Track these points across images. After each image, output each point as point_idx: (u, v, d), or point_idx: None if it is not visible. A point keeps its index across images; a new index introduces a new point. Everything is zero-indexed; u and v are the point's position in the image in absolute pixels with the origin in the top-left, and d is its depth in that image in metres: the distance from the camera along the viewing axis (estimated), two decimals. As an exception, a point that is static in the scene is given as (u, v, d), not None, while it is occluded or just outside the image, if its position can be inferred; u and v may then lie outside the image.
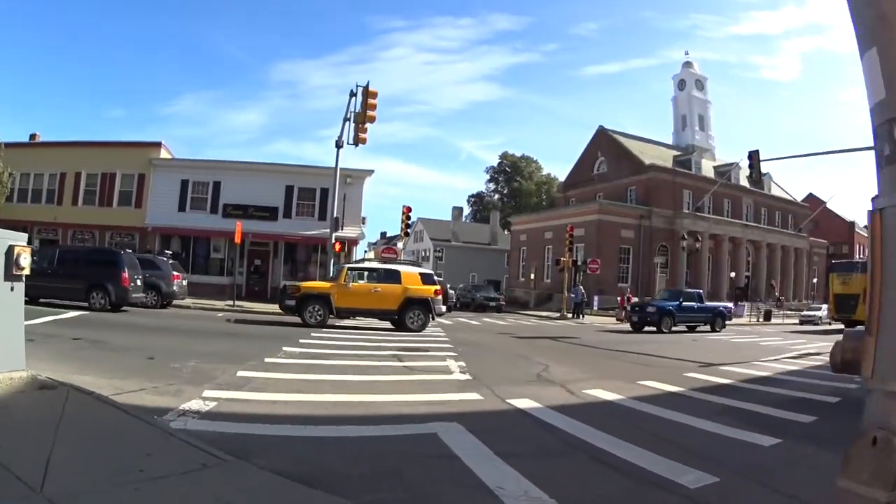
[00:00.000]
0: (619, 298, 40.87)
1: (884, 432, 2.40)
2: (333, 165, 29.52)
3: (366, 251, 58.71)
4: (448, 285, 43.45)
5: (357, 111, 26.78)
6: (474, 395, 9.24)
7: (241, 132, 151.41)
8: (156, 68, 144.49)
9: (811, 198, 74.62)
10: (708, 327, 29.95)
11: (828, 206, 62.01)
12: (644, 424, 7.98)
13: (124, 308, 21.89)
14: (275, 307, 24.01)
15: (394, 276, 21.51)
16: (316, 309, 20.58)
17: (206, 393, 8.21)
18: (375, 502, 4.63)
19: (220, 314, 22.95)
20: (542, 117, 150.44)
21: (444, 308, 23.35)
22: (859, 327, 2.89)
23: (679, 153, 63.33)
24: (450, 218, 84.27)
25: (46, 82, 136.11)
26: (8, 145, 35.60)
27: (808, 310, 51.20)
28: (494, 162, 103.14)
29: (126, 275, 21.55)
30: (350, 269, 21.95)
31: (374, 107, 25.97)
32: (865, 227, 14.09)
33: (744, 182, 57.81)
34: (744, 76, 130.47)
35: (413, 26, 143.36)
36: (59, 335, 13.39)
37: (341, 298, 20.74)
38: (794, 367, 16.22)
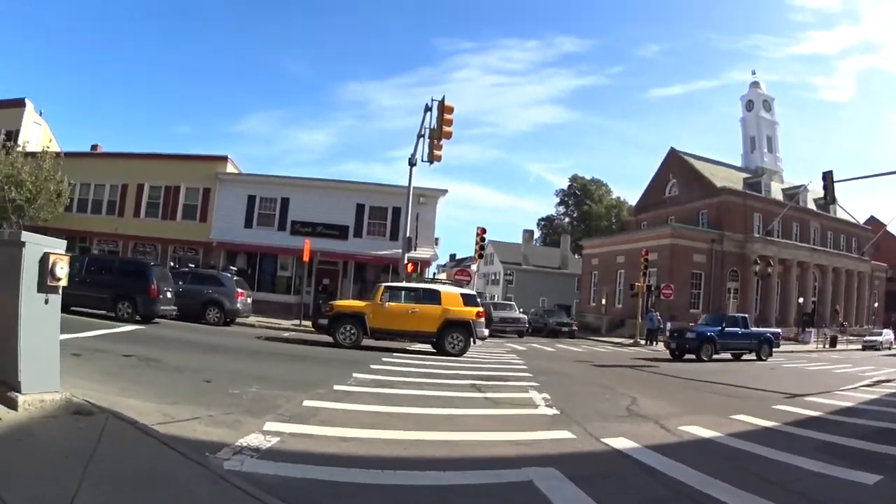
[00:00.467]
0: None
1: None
2: (406, 184, 28.93)
3: (435, 273, 58.18)
4: (521, 310, 43.25)
5: (432, 127, 26.10)
6: (566, 434, 8.46)
7: (309, 152, 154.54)
8: (224, 86, 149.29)
9: (873, 220, 72.66)
10: (753, 355, 28.19)
11: (888, 228, 61.50)
12: (747, 464, 7.48)
13: (192, 323, 21.89)
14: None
15: (433, 297, 20.65)
16: (349, 329, 19.77)
17: (268, 426, 7.30)
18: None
19: (286, 333, 22.29)
20: (609, 140, 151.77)
21: (486, 332, 22.14)
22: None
23: (749, 175, 62.52)
24: (519, 241, 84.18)
25: (111, 95, 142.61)
26: (68, 154, 36.13)
27: (870, 335, 51.07)
28: (563, 185, 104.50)
29: (155, 286, 21.34)
30: (387, 287, 21.10)
31: (450, 122, 25.30)
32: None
33: (811, 205, 58.22)
34: (804, 97, 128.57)
35: (481, 48, 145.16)
36: (109, 351, 12.79)
37: (377, 318, 19.90)
38: (871, 395, 16.28)
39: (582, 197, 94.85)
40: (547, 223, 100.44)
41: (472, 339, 20.60)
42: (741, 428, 9.95)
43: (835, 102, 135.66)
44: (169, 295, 22.52)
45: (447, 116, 25.22)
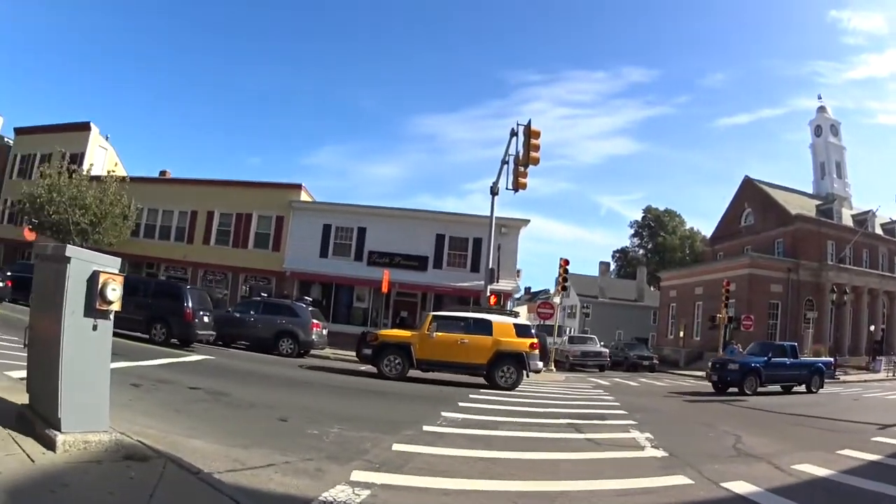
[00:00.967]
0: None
1: None
2: (487, 214, 28.26)
3: (513, 306, 57.39)
4: (601, 343, 43.05)
5: (516, 153, 25.84)
6: (683, 479, 7.72)
7: (381, 184, 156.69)
8: (295, 119, 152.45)
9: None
10: (803, 387, 26.14)
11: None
12: None
13: (264, 354, 21.38)
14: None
15: (484, 327, 19.70)
16: (394, 360, 19.12)
17: (356, 475, 6.28)
18: None
19: (363, 367, 21.44)
20: (678, 171, 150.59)
21: (540, 364, 21.38)
22: None
23: (820, 202, 61.43)
24: (593, 273, 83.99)
25: (181, 125, 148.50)
26: (135, 179, 36.43)
27: None
28: (634, 217, 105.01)
29: (190, 309, 21.24)
30: (435, 317, 20.29)
31: (537, 147, 24.77)
32: None
33: (878, 230, 57.97)
34: (862, 122, 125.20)
35: (549, 80, 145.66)
36: (173, 382, 12.10)
37: (424, 349, 19.12)
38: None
39: (656, 228, 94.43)
40: (621, 255, 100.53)
41: (524, 373, 19.77)
42: (851, 464, 9.55)
43: (891, 126, 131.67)
44: (207, 319, 22.43)
45: (534, 141, 24.78)
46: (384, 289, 29.53)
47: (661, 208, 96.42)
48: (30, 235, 33.72)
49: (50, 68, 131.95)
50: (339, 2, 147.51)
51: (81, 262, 5.41)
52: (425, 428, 10.00)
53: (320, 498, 5.31)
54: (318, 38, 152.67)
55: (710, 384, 25.44)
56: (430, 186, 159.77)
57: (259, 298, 26.91)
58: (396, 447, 8.12)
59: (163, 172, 45.90)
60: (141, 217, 37.54)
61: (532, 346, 19.72)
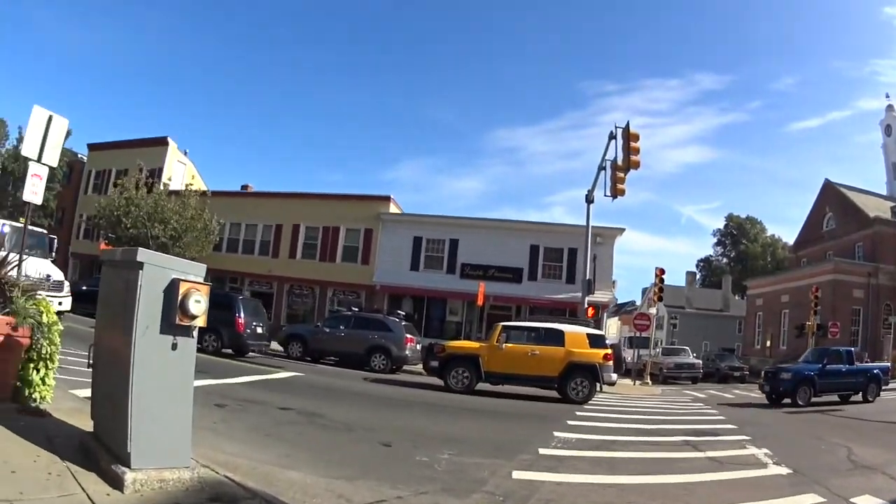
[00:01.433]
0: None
1: None
2: (580, 223, 28.05)
3: (607, 317, 57.02)
4: (694, 354, 42.91)
5: (612, 158, 25.41)
6: (815, 497, 7.50)
7: (462, 198, 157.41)
8: (375, 135, 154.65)
9: None
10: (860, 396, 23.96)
11: None
12: None
13: (354, 370, 21.03)
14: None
15: (556, 338, 19.04)
16: (461, 372, 18.59)
17: (481, 513, 5.42)
18: None
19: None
20: (754, 177, 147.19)
21: (615, 377, 20.66)
22: None
23: (895, 203, 59.99)
24: (677, 283, 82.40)
25: (263, 141, 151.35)
26: (216, 193, 36.45)
27: None
28: (713, 225, 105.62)
29: (242, 320, 21.44)
30: (505, 327, 19.73)
31: (637, 150, 24.07)
32: None
33: None
34: None
35: (625, 90, 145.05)
36: (262, 402, 11.44)
37: (492, 361, 18.56)
38: None
39: (738, 236, 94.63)
40: (705, 264, 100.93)
41: (598, 385, 18.97)
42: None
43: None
44: (260, 330, 22.78)
45: (633, 144, 24.08)
46: (479, 301, 29.00)
47: (743, 216, 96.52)
48: (103, 246, 33.76)
49: (130, 85, 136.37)
50: (414, 19, 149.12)
51: (157, 268, 4.58)
52: (541, 451, 9.37)
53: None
54: (397, 53, 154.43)
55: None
56: (512, 200, 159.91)
57: (350, 313, 26.55)
58: (517, 475, 7.43)
59: (244, 186, 46.34)
60: (223, 231, 37.61)
61: (606, 356, 19.09)
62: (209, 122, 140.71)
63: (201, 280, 4.86)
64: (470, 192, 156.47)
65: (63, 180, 48.48)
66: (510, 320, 34.28)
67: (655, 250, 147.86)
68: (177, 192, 34.93)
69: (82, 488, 4.05)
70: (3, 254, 6.98)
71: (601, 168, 26.38)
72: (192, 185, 37.61)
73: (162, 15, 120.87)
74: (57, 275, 18.36)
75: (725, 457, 10.26)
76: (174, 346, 4.61)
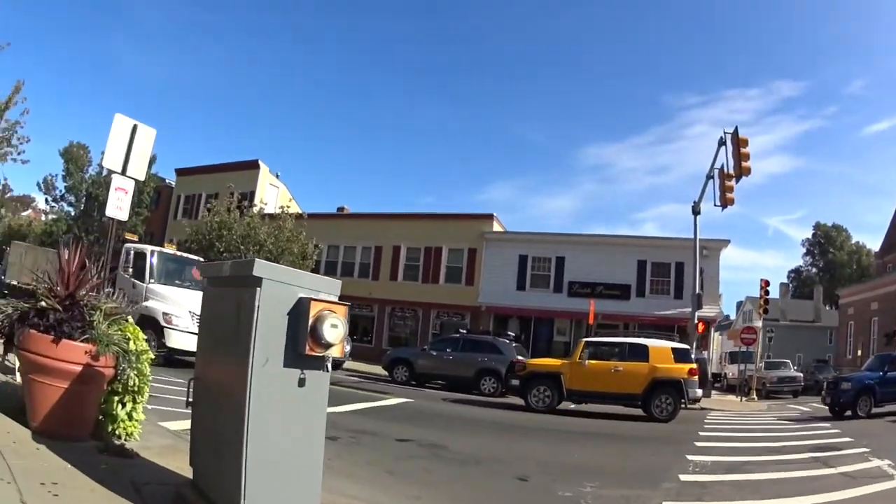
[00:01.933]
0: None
1: None
2: (687, 236, 27.97)
3: (714, 332, 56.44)
4: (795, 367, 44.22)
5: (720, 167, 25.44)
6: None
7: (555, 217, 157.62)
8: (466, 157, 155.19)
9: None
10: None
11: None
12: None
13: (461, 393, 20.46)
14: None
15: (640, 353, 18.64)
16: (543, 391, 18.34)
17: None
18: None
19: (571, 405, 20.14)
20: (835, 184, 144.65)
21: (699, 392, 19.96)
22: None
23: None
24: (773, 296, 79.84)
25: (355, 165, 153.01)
26: (312, 216, 36.34)
27: None
28: (800, 235, 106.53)
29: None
30: (588, 343, 19.51)
31: (747, 157, 23.72)
32: None
33: None
34: None
35: (706, 101, 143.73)
36: (376, 433, 10.78)
37: (574, 379, 18.26)
38: None
39: (826, 245, 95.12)
40: (795, 275, 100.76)
41: (682, 402, 18.26)
42: None
43: None
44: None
45: (744, 150, 23.66)
46: (591, 320, 28.40)
47: (829, 224, 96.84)
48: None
49: (219, 112, 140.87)
50: (498, 39, 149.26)
51: (280, 284, 3.80)
52: (682, 478, 9.09)
53: None
54: (483, 77, 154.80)
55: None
56: (604, 217, 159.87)
57: (458, 335, 26.12)
58: (668, 507, 7.04)
59: (340, 208, 46.59)
60: (321, 254, 37.69)
61: (691, 371, 18.50)
62: (298, 145, 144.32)
63: (336, 299, 4.08)
64: (563, 209, 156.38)
65: (151, 205, 49.98)
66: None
67: (747, 264, 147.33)
68: (271, 215, 34.54)
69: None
70: (83, 271, 6.19)
71: (709, 177, 26.09)
72: (288, 207, 37.24)
73: (251, 44, 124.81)
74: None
75: (855, 471, 10.14)
76: (301, 382, 3.81)
